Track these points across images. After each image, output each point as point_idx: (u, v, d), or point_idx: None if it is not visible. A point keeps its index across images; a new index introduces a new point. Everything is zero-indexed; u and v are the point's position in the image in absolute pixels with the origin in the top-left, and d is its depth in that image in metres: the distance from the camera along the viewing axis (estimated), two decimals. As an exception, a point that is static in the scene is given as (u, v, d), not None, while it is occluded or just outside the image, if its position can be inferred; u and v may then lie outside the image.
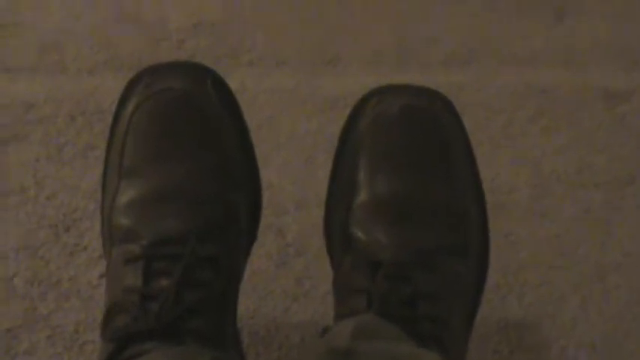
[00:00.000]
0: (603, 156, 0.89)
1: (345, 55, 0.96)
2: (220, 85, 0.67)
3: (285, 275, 0.78)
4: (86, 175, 0.83)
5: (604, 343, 0.76)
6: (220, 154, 0.65)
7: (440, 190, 0.65)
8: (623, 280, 0.79)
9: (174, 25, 0.96)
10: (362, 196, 0.65)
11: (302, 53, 0.96)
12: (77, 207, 0.82)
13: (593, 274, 0.80)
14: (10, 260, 0.78)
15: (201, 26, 0.96)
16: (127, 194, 0.64)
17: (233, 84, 0.90)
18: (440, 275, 0.63)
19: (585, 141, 0.90)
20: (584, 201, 0.85)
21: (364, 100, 0.68)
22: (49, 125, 0.88)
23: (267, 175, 0.84)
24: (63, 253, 0.79)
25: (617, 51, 0.97)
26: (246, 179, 0.67)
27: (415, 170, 0.65)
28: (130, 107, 0.65)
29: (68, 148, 0.86)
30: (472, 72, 0.95)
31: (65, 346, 0.73)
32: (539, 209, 0.84)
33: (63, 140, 0.87)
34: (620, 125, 0.91)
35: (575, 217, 0.84)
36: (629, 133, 0.90)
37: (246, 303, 0.76)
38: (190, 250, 0.60)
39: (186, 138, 0.65)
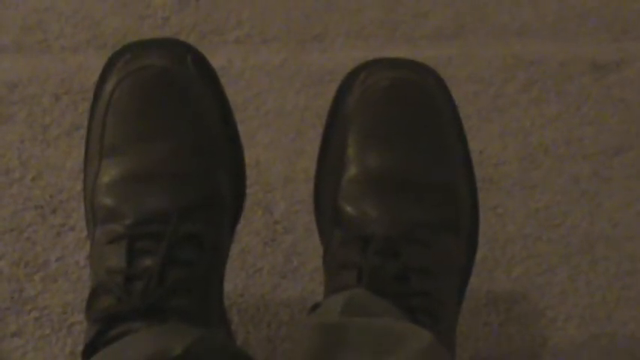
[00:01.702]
0: (592, 127, 0.88)
1: (332, 30, 0.96)
2: (201, 61, 0.66)
3: (274, 252, 0.78)
4: (71, 155, 0.83)
5: (593, 314, 0.76)
6: (202, 131, 0.65)
7: (430, 164, 0.65)
8: (611, 252, 0.80)
9: (158, 2, 0.95)
10: (351, 170, 0.65)
11: (289, 29, 0.96)
12: (63, 188, 0.81)
13: (582, 246, 0.80)
14: (-3, 242, 0.78)
15: (186, 3, 0.96)
16: (108, 173, 0.63)
17: (219, 61, 0.90)
18: (430, 250, 0.62)
19: (574, 112, 0.90)
20: (573, 173, 0.85)
21: (353, 75, 0.67)
22: (33, 105, 0.87)
23: (255, 152, 0.84)
24: (50, 235, 0.78)
25: (605, 21, 0.97)
26: (229, 156, 0.67)
27: (405, 144, 0.65)
28: (109, 85, 0.65)
29: (53, 128, 0.86)
30: (460, 45, 0.95)
31: (53, 327, 0.73)
32: (528, 181, 0.84)
33: (48, 120, 0.86)
34: (609, 96, 0.91)
35: (563, 189, 0.84)
36: (618, 104, 0.90)
37: (235, 281, 0.76)
38: (173, 228, 0.60)
39: (167, 116, 0.64)
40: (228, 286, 0.72)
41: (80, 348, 0.60)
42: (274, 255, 0.78)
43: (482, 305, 0.76)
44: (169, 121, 0.64)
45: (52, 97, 0.88)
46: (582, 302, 0.77)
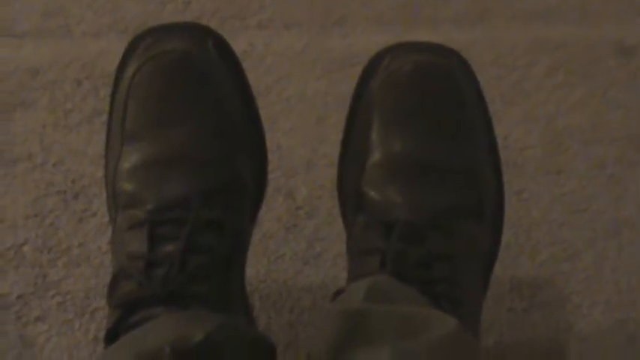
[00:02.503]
0: (618, 111, 0.88)
1: (353, 14, 0.95)
2: (222, 45, 0.66)
3: (296, 238, 0.78)
4: (93, 141, 0.83)
5: (618, 300, 0.75)
6: (223, 116, 0.65)
7: (454, 149, 0.64)
8: (637, 236, 0.79)
9: (180, -13, 0.95)
10: (375, 155, 0.65)
11: (311, 14, 0.95)
12: (85, 173, 0.81)
13: (607, 231, 0.79)
14: (19, 228, 0.78)
15: (208, -13, 0.95)
16: (130, 159, 0.63)
17: (241, 46, 0.90)
18: (454, 236, 0.62)
19: (600, 96, 0.89)
20: (598, 157, 0.84)
21: (377, 59, 0.67)
22: (55, 91, 0.87)
23: (277, 137, 0.84)
24: (72, 220, 0.78)
25: (632, 2, 0.96)
26: (251, 142, 0.66)
27: (429, 129, 0.64)
28: (130, 70, 0.65)
29: (75, 114, 0.86)
30: (484, 29, 0.94)
31: (76, 312, 0.73)
32: (553, 166, 0.83)
33: (69, 106, 0.86)
34: (635, 80, 0.90)
35: (589, 174, 0.83)
36: (644, 88, 0.89)
37: (257, 267, 0.76)
38: (195, 214, 0.60)
39: (188, 100, 0.64)
40: (250, 272, 0.71)
41: (103, 333, 0.60)
42: (296, 241, 0.78)
43: (507, 291, 0.75)
44: (190, 106, 0.64)
45: (73, 82, 0.88)
46: (608, 288, 0.76)
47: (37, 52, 0.91)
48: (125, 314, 0.58)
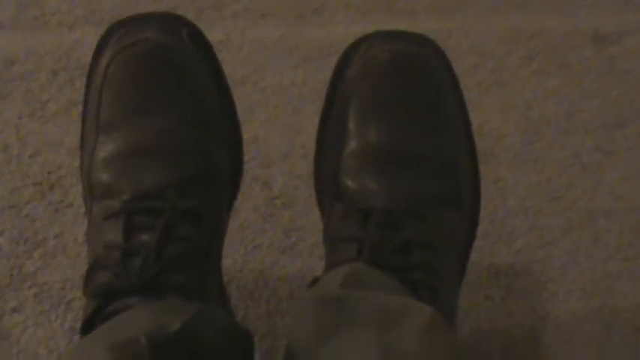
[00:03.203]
0: (594, 100, 0.88)
1: (331, 3, 0.95)
2: (197, 35, 0.66)
3: (273, 228, 0.78)
4: (70, 132, 0.83)
5: (594, 287, 0.76)
6: (198, 105, 0.65)
7: (431, 138, 0.65)
8: (613, 225, 0.79)
9: (155, -23, 0.95)
10: (352, 144, 0.65)
11: (287, 3, 0.95)
12: (61, 164, 0.81)
13: (583, 219, 0.79)
14: (-5, 219, 0.78)
15: (183, -23, 0.95)
16: (105, 149, 0.63)
17: (217, 36, 0.89)
18: (431, 223, 0.62)
19: (575, 85, 0.89)
20: (574, 146, 0.84)
21: (353, 47, 0.67)
22: (30, 82, 0.87)
23: (253, 127, 0.84)
24: (48, 211, 0.78)
25: (607, -7, 0.96)
26: (226, 131, 0.66)
27: (406, 118, 0.64)
28: (104, 60, 0.64)
29: (51, 105, 0.85)
30: (460, 18, 0.94)
31: (52, 303, 0.73)
32: (529, 155, 0.84)
33: (45, 97, 0.86)
34: (610, 68, 0.90)
35: (565, 162, 0.83)
36: (619, 77, 0.89)
37: (234, 256, 0.76)
38: (171, 203, 0.60)
39: (163, 90, 0.64)
40: (227, 262, 0.71)
41: (79, 324, 0.60)
42: (273, 230, 0.78)
43: (484, 279, 0.76)
44: (165, 96, 0.64)
45: (49, 73, 0.87)
46: (584, 275, 0.76)
47: (12, 43, 0.90)
48: (101, 305, 0.58)
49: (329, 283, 0.58)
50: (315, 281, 0.62)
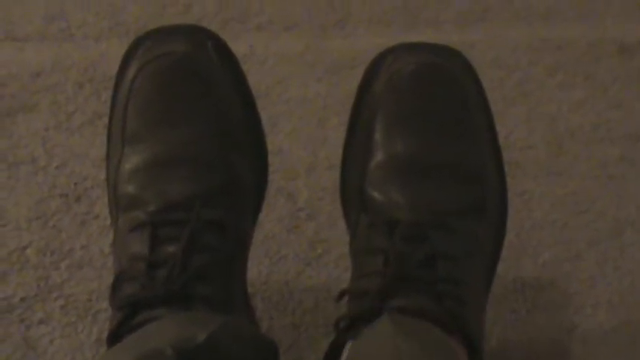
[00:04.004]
0: (619, 111, 0.87)
1: (354, 16, 0.95)
2: (222, 47, 0.66)
3: (298, 239, 0.78)
4: (95, 143, 0.83)
5: (622, 300, 0.75)
6: (223, 117, 0.65)
7: (457, 149, 0.64)
8: (639, 236, 0.78)
9: (180, -10, 0.95)
10: (378, 156, 0.65)
11: (311, 15, 0.95)
12: (87, 175, 0.81)
13: (610, 231, 0.79)
14: (23, 231, 0.78)
15: (208, -10, 0.95)
16: (130, 161, 0.63)
17: (241, 48, 0.89)
18: (457, 236, 0.62)
19: (601, 96, 0.89)
20: (600, 157, 0.84)
21: (379, 59, 0.67)
22: (57, 94, 0.87)
23: (278, 139, 0.84)
24: (74, 223, 0.78)
25: (632, 3, 0.96)
26: (251, 143, 0.66)
27: (432, 129, 0.64)
28: (130, 73, 0.65)
29: (77, 116, 0.86)
30: (485, 29, 0.94)
31: (79, 315, 0.73)
32: (555, 167, 0.83)
33: (71, 108, 0.87)
34: (636, 78, 0.90)
35: (590, 174, 0.83)
36: (646, 87, 0.89)
37: (259, 268, 0.76)
38: (196, 215, 0.60)
39: (188, 102, 0.64)
40: (252, 273, 0.71)
41: (106, 335, 0.60)
42: (298, 242, 0.78)
43: (510, 292, 0.75)
44: (190, 108, 0.64)
45: (75, 85, 0.88)
46: (611, 288, 0.76)
47: (38, 56, 0.91)
48: (127, 316, 0.58)
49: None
50: (341, 295, 0.62)
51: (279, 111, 0.86)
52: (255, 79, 0.83)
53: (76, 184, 0.81)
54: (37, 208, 0.79)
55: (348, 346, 0.60)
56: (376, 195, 0.64)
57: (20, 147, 0.84)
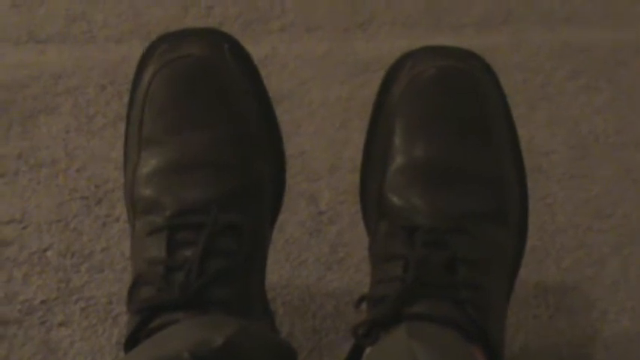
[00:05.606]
0: (643, 114, 0.87)
1: (376, 18, 0.95)
2: (238, 50, 0.66)
3: (319, 243, 0.78)
4: (116, 146, 0.83)
5: (646, 307, 0.74)
6: (240, 120, 0.65)
7: (477, 154, 0.64)
8: (664, 241, 0.78)
9: (202, -8, 0.95)
10: (398, 160, 0.64)
11: (333, 18, 0.95)
12: (108, 178, 0.81)
13: (634, 236, 0.78)
14: (43, 233, 0.78)
15: (230, -8, 0.95)
16: (148, 165, 0.63)
17: (263, 50, 0.90)
18: (477, 241, 0.61)
19: (624, 100, 0.88)
20: (624, 161, 0.83)
21: (399, 63, 0.66)
22: (78, 96, 0.88)
23: (300, 141, 0.84)
24: (95, 225, 0.79)
25: (657, 6, 0.95)
26: (268, 145, 0.66)
27: (452, 134, 0.64)
28: (146, 76, 0.65)
29: (98, 119, 0.86)
30: (507, 33, 0.94)
31: (99, 317, 0.73)
32: (577, 171, 0.83)
33: (93, 111, 0.87)
34: (661, 82, 0.89)
35: (614, 178, 0.82)
36: (671, 91, 0.88)
37: (280, 272, 0.75)
38: (213, 219, 0.60)
39: (205, 105, 0.64)
40: (272, 278, 0.71)
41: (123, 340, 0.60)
42: (319, 246, 0.77)
43: (532, 297, 0.74)
44: (207, 111, 0.64)
45: (96, 87, 0.88)
46: (635, 294, 0.75)
47: (60, 58, 0.91)
48: (145, 320, 0.58)
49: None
50: (361, 301, 0.62)
51: (301, 113, 0.86)
52: (278, 82, 0.83)
53: (97, 186, 0.81)
54: (57, 211, 0.80)
55: (366, 352, 0.59)
56: (396, 200, 0.63)
57: (41, 149, 0.84)
